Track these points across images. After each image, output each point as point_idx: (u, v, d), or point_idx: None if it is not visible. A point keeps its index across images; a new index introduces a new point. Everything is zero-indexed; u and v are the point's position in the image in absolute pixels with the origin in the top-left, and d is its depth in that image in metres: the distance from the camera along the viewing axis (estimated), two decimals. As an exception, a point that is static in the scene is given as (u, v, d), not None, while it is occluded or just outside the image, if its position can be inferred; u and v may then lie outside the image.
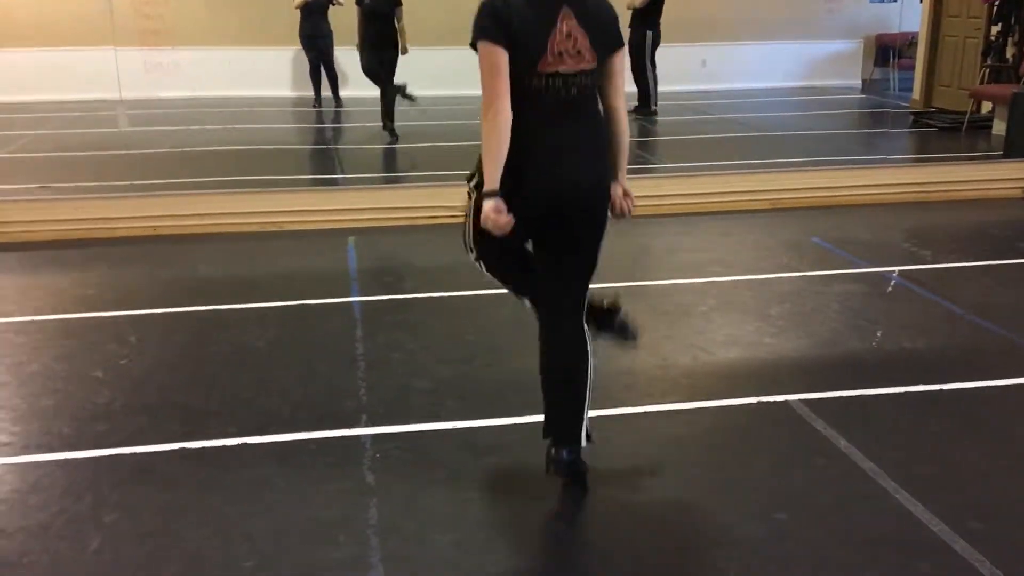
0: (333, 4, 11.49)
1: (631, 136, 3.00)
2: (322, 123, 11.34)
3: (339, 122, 11.42)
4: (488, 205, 2.60)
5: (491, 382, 3.84)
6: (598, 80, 2.72)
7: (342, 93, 12.00)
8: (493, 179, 2.59)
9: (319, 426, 3.40)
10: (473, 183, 2.75)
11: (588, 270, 2.90)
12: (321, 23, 11.66)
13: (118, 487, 3.01)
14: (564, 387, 2.91)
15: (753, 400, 3.60)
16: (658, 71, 10.77)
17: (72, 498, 2.92)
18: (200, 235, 6.03)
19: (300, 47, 11.89)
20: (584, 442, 2.94)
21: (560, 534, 2.86)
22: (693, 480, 3.08)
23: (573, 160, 2.69)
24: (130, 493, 2.97)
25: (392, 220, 6.34)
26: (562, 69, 2.62)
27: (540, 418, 3.37)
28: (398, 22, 8.92)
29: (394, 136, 9.30)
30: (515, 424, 3.45)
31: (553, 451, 2.93)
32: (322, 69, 11.88)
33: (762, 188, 6.80)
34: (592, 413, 3.07)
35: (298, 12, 11.57)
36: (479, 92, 2.61)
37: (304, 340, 4.30)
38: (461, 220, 2.93)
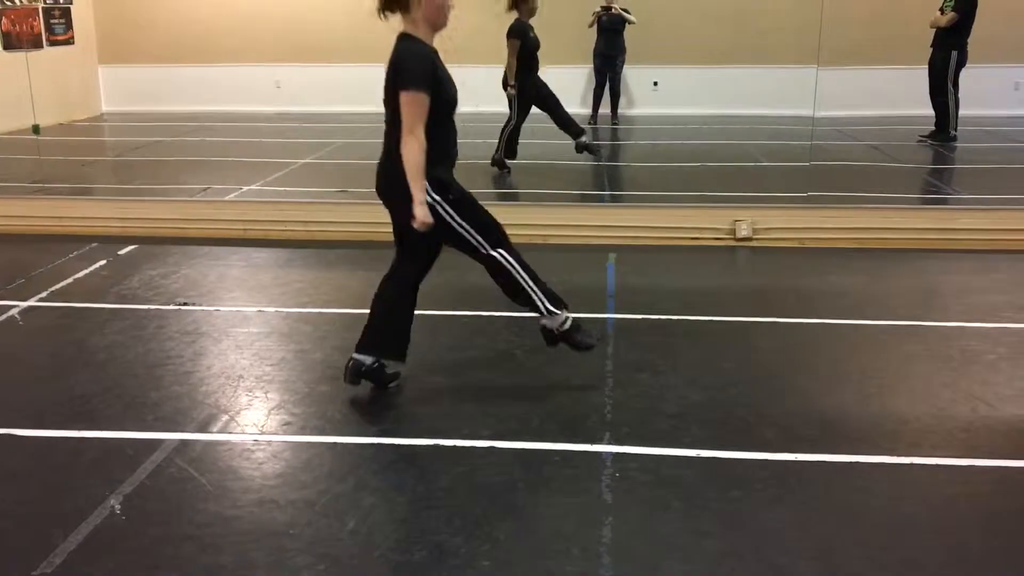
0: (628, 23, 11.70)
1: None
2: (597, 140, 11.54)
3: (613, 139, 11.57)
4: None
5: (745, 413, 3.72)
6: None
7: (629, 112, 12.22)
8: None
9: (563, 438, 3.47)
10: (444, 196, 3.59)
11: None
12: (617, 41, 11.90)
13: (377, 473, 3.24)
14: None
15: (1043, 464, 3.22)
16: (960, 94, 9.92)
17: (336, 479, 3.19)
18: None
19: (581, 64, 12.20)
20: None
21: (801, 582, 2.71)
22: (957, 545, 2.80)
23: None
24: (387, 480, 3.20)
25: (654, 239, 6.33)
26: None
27: (800, 457, 3.34)
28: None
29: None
30: (767, 460, 3.32)
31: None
32: (607, 87, 12.12)
33: (1076, 227, 6.06)
34: (847, 457, 3.15)
35: (592, 30, 11.88)
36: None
37: (557, 352, 4.36)
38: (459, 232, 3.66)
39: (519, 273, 3.76)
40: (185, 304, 5.07)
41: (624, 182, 9.15)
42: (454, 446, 3.41)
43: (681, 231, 6.40)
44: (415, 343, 3.94)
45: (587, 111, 12.43)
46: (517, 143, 8.64)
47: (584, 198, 8.13)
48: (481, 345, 4.51)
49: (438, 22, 3.58)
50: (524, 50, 8.35)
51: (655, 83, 13.23)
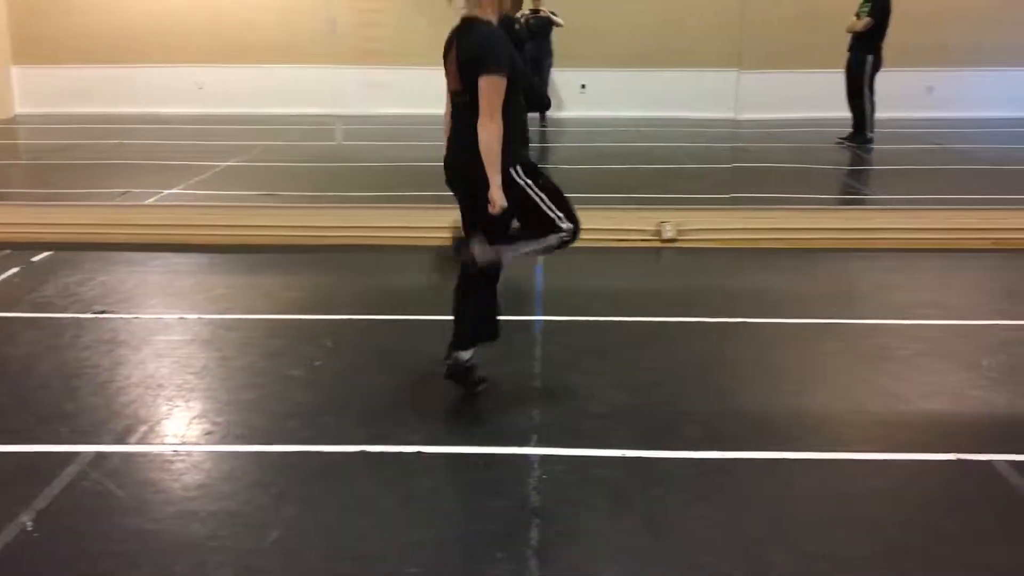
0: (556, 26, 11.78)
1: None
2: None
3: (542, 142, 11.63)
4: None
5: (671, 413, 3.76)
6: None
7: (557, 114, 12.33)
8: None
9: (491, 441, 3.46)
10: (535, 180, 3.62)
11: None
12: (544, 44, 11.97)
13: (302, 482, 3.19)
14: None
15: (952, 457, 3.32)
16: (876, 97, 10.23)
17: (260, 489, 3.13)
18: (402, 247, 6.29)
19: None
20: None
21: (725, 578, 2.75)
22: (879, 538, 2.88)
23: None
24: (312, 489, 3.14)
25: (581, 241, 6.33)
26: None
27: (725, 455, 3.39)
28: None
29: None
30: (689, 458, 3.36)
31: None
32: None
33: (986, 226, 6.29)
34: (767, 454, 3.27)
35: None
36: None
37: (485, 356, 4.37)
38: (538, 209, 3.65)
39: (541, 247, 3.75)
40: (103, 312, 4.92)
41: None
42: (381, 452, 3.37)
43: (608, 233, 6.44)
44: (341, 347, 3.89)
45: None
46: None
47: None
48: (409, 350, 4.47)
49: (504, 4, 3.59)
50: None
51: (583, 86, 13.35)
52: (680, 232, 6.38)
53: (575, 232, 3.77)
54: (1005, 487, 3.13)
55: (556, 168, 10.07)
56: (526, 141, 3.71)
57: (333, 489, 3.14)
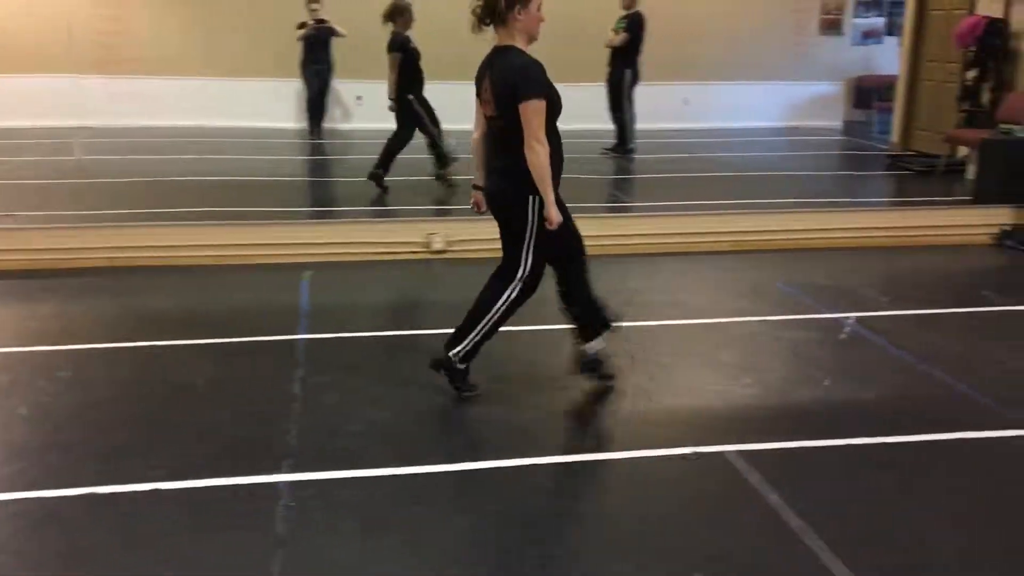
0: (336, 35, 11.57)
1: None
2: (301, 155, 11.30)
3: (316, 154, 11.39)
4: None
5: (429, 427, 3.75)
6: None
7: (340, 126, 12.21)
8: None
9: (238, 471, 3.29)
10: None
11: None
12: (324, 53, 11.77)
13: (19, 533, 2.90)
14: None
15: (689, 450, 3.51)
16: (636, 109, 10.76)
17: (-33, 545, 2.81)
18: (156, 267, 5.94)
19: (284, 78, 11.97)
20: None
21: (474, 591, 2.75)
22: (618, 534, 2.98)
23: None
24: (31, 539, 2.87)
25: (351, 255, 6.27)
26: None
27: (473, 465, 3.42)
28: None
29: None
30: (443, 472, 3.36)
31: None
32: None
33: (725, 229, 6.75)
34: (527, 460, 3.37)
35: (299, 44, 11.65)
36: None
37: (243, 379, 4.21)
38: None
39: (499, 309, 3.90)
40: None
41: (325, 198, 9.03)
42: (111, 494, 3.12)
43: (378, 246, 6.38)
44: (79, 379, 3.59)
45: (296, 125, 12.21)
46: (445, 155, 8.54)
47: (280, 215, 7.89)
48: (159, 377, 4.20)
49: (534, 34, 3.73)
50: (408, 62, 8.27)
51: (359, 97, 13.19)
52: (449, 243, 6.41)
53: (519, 295, 3.95)
54: (735, 475, 3.34)
55: (329, 181, 9.92)
56: (560, 169, 3.80)
57: (55, 538, 2.87)
